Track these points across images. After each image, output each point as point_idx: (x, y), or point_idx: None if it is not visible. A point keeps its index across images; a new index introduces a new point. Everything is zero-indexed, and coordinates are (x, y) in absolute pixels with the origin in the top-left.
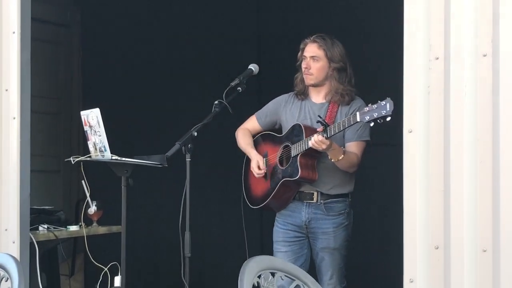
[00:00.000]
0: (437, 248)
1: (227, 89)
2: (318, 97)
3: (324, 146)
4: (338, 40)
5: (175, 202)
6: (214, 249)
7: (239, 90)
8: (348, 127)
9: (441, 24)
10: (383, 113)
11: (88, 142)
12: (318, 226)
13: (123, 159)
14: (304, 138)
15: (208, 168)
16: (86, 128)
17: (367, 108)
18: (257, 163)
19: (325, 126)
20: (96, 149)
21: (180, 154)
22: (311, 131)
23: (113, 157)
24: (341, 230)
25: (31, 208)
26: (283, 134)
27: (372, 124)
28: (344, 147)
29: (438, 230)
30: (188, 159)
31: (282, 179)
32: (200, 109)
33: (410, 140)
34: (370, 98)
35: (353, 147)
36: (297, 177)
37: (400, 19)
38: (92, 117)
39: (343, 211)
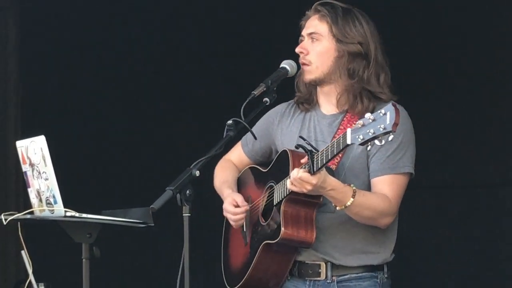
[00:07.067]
0: None
1: (247, 100)
2: (328, 104)
3: (308, 188)
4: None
5: (167, 280)
6: None
7: (267, 102)
8: (337, 153)
9: None
10: (381, 129)
11: (29, 190)
12: None
13: (84, 215)
14: (290, 174)
15: (218, 225)
16: (25, 167)
17: (362, 122)
18: (231, 202)
19: (310, 153)
20: (41, 200)
21: (174, 205)
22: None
23: (68, 213)
24: None
25: None
26: (268, 168)
27: (369, 148)
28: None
29: None
30: (186, 214)
31: (262, 241)
32: (203, 134)
33: None
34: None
35: (383, 185)
36: (278, 239)
37: None
38: (34, 150)
39: None
